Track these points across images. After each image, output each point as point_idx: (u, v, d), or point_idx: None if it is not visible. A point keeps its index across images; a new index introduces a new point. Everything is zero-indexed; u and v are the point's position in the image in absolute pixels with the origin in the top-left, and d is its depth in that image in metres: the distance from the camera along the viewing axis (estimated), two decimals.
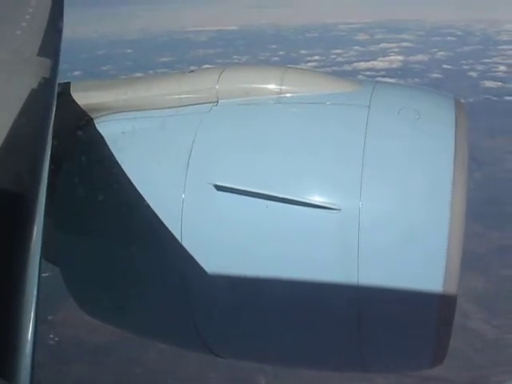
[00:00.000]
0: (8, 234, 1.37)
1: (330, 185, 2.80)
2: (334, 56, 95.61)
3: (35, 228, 1.44)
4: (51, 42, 3.53)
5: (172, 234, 2.97)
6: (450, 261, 2.59)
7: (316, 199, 2.74)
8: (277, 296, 2.94)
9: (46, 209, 1.68)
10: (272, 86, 3.13)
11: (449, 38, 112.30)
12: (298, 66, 3.74)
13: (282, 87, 3.11)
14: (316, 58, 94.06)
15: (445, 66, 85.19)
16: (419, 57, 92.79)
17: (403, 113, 2.87)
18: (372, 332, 2.89)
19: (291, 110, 3.07)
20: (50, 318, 24.74)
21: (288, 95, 3.10)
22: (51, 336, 25.08)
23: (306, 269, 2.81)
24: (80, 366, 25.31)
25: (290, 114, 3.07)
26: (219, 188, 2.89)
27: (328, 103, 3.01)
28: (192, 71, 3.51)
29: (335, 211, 2.70)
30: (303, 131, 2.97)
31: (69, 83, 3.51)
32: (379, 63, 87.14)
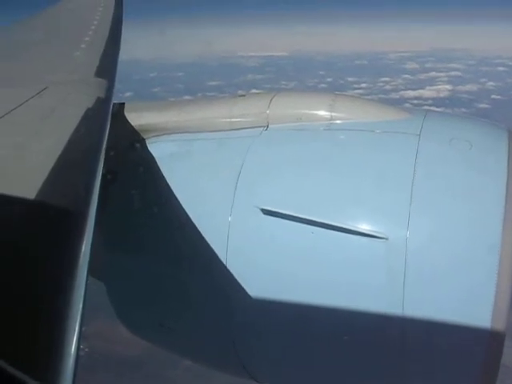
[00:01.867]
0: (58, 247, 1.40)
1: (378, 213, 2.74)
2: (381, 84, 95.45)
3: (84, 243, 1.46)
4: (108, 64, 3.65)
5: (217, 256, 2.97)
6: (498, 296, 2.48)
7: (363, 227, 2.69)
8: (321, 322, 2.89)
9: (95, 225, 1.72)
10: (322, 113, 3.12)
11: (499, 68, 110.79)
12: (345, 93, 3.74)
13: (333, 114, 3.09)
14: (363, 85, 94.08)
15: (494, 97, 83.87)
16: (468, 86, 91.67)
17: (454, 143, 2.81)
18: (416, 362, 2.80)
19: (341, 136, 3.03)
20: (82, 328, 25.03)
21: (338, 122, 3.08)
22: (81, 346, 25.31)
23: (350, 296, 2.75)
24: (106, 377, 25.45)
25: (339, 141, 3.03)
26: (266, 212, 2.87)
27: (378, 131, 2.97)
28: (243, 95, 3.54)
29: (382, 240, 2.64)
30: (352, 158, 2.93)
31: (123, 104, 3.59)
32: (427, 92, 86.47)
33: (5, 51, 4.60)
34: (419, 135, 2.85)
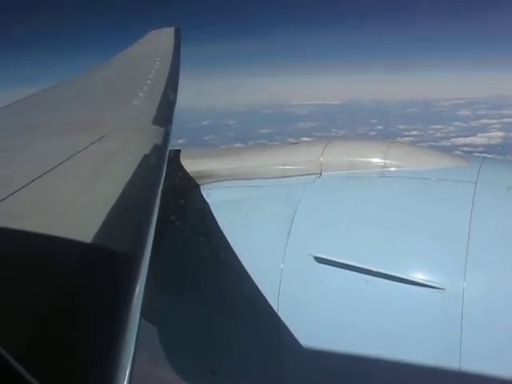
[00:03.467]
0: (112, 290, 1.42)
1: (434, 263, 2.67)
2: (432, 131, 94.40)
3: (137, 287, 1.48)
4: (165, 112, 3.75)
5: (269, 304, 2.94)
6: None
7: (418, 277, 2.62)
8: (374, 373, 2.79)
9: (149, 269, 1.73)
10: (376, 160, 3.11)
11: None
12: (396, 140, 3.72)
13: (387, 161, 3.08)
14: (414, 132, 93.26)
15: None
16: None
17: None
18: None
19: (395, 184, 3.00)
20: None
21: (392, 169, 3.05)
22: None
23: (406, 346, 2.65)
24: None
25: (394, 189, 3.00)
26: (319, 260, 2.83)
27: (433, 178, 2.92)
28: (296, 143, 3.57)
29: (438, 290, 2.58)
30: (407, 206, 2.89)
31: (179, 151, 3.68)
32: (478, 139, 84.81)
33: (69, 99, 4.81)
34: (475, 183, 2.79)
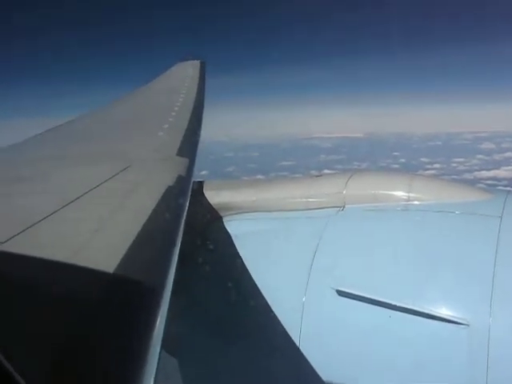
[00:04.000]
0: (133, 320, 1.41)
1: (459, 298, 2.62)
2: (455, 164, 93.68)
3: (158, 318, 1.47)
4: (189, 144, 3.79)
5: (290, 337, 2.90)
6: None
7: (443, 312, 2.58)
8: None
9: (171, 300, 1.73)
10: (400, 193, 3.10)
11: None
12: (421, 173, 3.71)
13: (410, 194, 3.06)
14: (436, 166, 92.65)
15: None
16: None
17: None
18: None
19: (419, 218, 2.97)
20: None
21: (416, 203, 3.04)
22: None
23: (430, 382, 2.63)
24: None
25: (418, 222, 2.97)
26: (341, 293, 2.81)
27: (457, 212, 2.90)
28: (319, 176, 3.59)
29: (463, 326, 2.53)
30: (432, 240, 2.85)
31: (202, 182, 3.71)
32: (502, 172, 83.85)
33: (96, 129, 4.89)
34: (501, 217, 2.76)
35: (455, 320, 2.54)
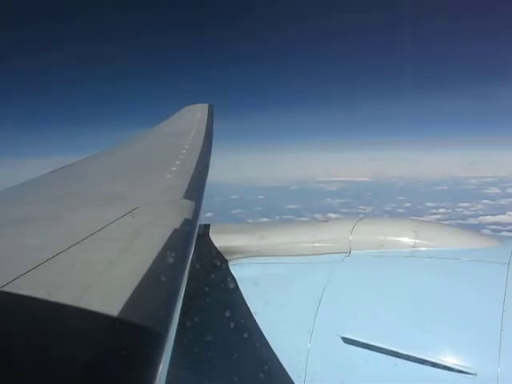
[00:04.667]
0: (137, 363, 1.40)
1: (466, 347, 2.58)
2: (460, 209, 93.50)
3: (162, 361, 1.45)
4: (196, 187, 3.82)
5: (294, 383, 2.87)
6: None
7: (449, 361, 2.53)
8: None
9: (175, 341, 1.71)
10: (406, 239, 3.09)
11: None
12: (422, 218, 3.70)
13: (417, 241, 3.05)
14: (441, 210, 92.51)
15: None
16: None
17: None
18: None
19: (426, 264, 2.95)
20: None
21: (422, 249, 3.02)
22: None
23: None
24: None
25: (424, 269, 2.95)
26: (347, 341, 2.77)
27: (465, 259, 2.88)
28: (326, 221, 3.59)
29: (471, 376, 2.48)
30: (438, 287, 2.83)
31: (208, 225, 3.71)
32: (507, 217, 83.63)
33: (105, 171, 4.93)
34: (508, 264, 2.74)
35: (462, 369, 2.49)
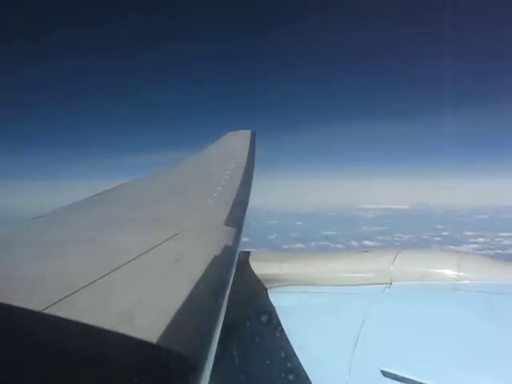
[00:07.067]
0: None
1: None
2: (499, 239, 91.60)
3: None
4: (237, 214, 3.83)
5: None
6: None
7: None
8: None
9: (213, 371, 1.70)
10: (449, 272, 3.00)
11: None
12: (459, 248, 3.63)
13: (460, 273, 2.96)
14: (480, 239, 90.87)
15: None
16: None
17: None
18: None
19: (470, 298, 2.85)
20: None
21: (466, 282, 2.94)
22: None
23: None
24: None
25: (468, 303, 2.84)
26: (386, 374, 2.70)
27: (510, 294, 2.81)
28: (367, 251, 3.55)
29: None
30: (483, 323, 2.71)
31: (248, 252, 3.72)
32: None
33: (147, 195, 4.99)
34: None
35: None
